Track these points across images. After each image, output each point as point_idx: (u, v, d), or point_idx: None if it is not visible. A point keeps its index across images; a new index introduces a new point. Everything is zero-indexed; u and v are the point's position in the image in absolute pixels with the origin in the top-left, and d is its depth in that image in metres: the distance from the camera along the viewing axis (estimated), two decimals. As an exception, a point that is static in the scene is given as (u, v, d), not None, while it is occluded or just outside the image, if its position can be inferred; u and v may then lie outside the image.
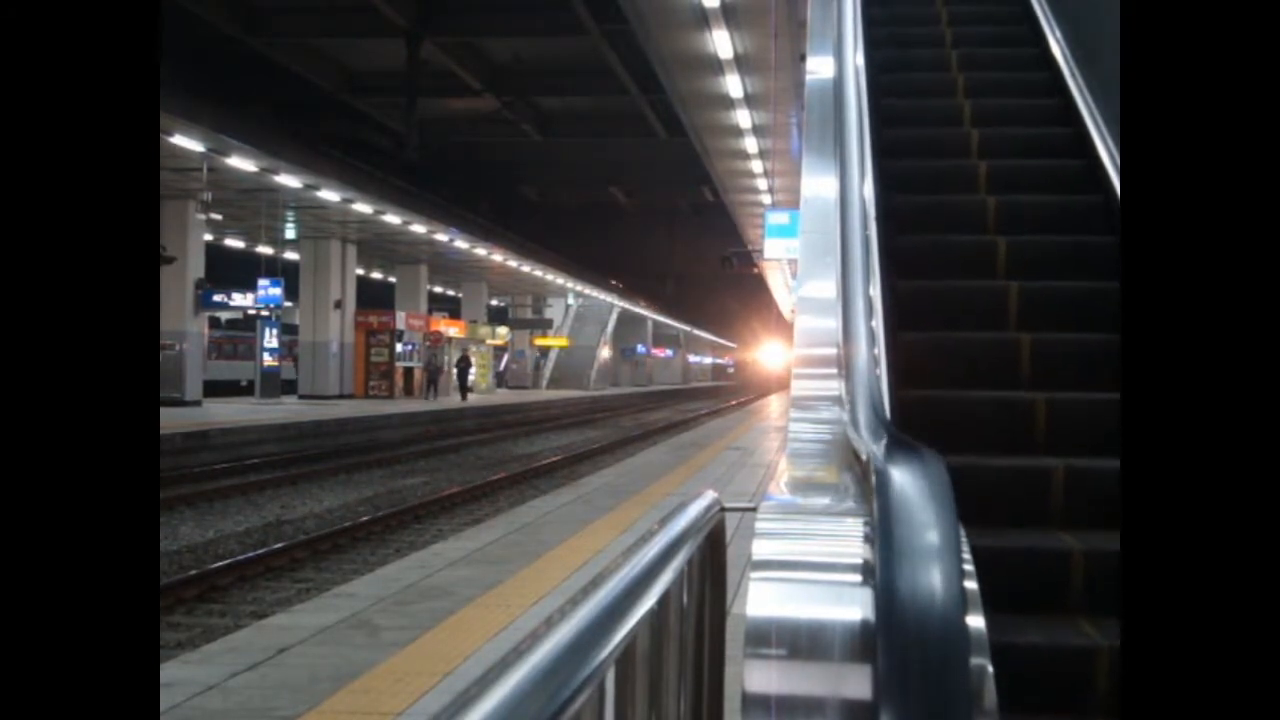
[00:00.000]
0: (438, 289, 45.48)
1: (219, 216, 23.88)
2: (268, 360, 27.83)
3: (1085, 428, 3.27)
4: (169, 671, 3.92)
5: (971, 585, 1.39)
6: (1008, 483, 3.09)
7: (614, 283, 46.71)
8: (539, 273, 37.83)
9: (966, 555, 1.41)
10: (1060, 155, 4.79)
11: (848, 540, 1.49)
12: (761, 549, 1.51)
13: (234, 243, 32.72)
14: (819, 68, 4.27)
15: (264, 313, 26.75)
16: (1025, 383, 3.57)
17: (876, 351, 2.66)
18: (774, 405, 30.87)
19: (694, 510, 1.98)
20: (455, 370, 33.11)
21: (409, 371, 32.25)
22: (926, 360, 3.60)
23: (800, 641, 1.36)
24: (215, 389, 29.48)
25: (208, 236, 25.83)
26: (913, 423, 2.91)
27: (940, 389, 3.52)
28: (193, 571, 8.81)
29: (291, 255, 31.09)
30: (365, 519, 11.66)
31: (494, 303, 49.84)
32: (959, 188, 4.65)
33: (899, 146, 4.84)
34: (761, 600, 1.40)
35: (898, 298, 3.79)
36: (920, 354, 3.60)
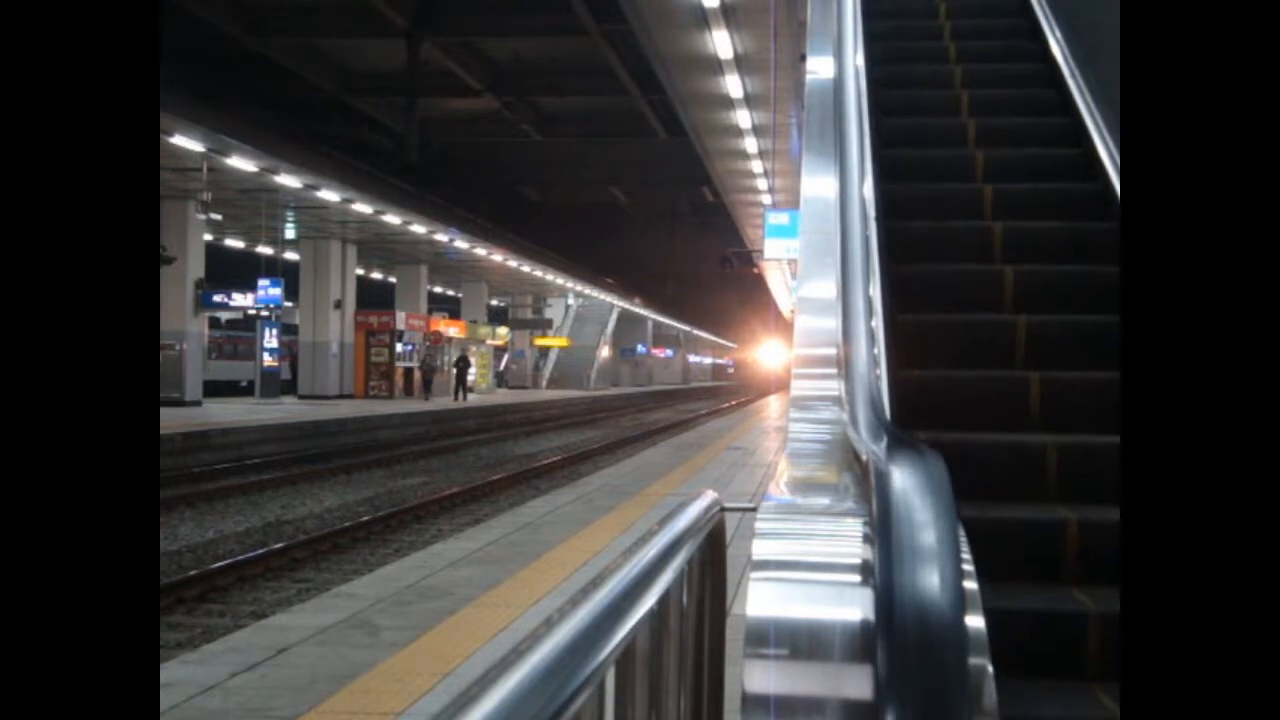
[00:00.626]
0: (438, 289, 45.47)
1: (219, 216, 23.87)
2: (268, 360, 27.83)
3: (1099, 470, 3.08)
4: (169, 671, 3.92)
5: (971, 585, 1.39)
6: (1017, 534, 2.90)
7: (609, 281, 46.66)
8: (539, 273, 37.83)
9: (966, 555, 1.41)
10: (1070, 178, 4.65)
11: (848, 540, 1.49)
12: (761, 549, 1.51)
13: (234, 243, 32.71)
14: (819, 67, 4.26)
15: (264, 313, 26.74)
16: (1034, 425, 3.39)
17: (876, 352, 2.65)
18: (773, 405, 30.87)
19: (694, 510, 1.98)
20: (454, 370, 33.13)
21: (409, 372, 32.27)
22: (927, 400, 3.45)
23: (800, 641, 1.36)
24: (215, 389, 29.49)
25: (208, 236, 25.83)
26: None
27: (943, 431, 3.30)
28: (193, 571, 8.81)
29: (291, 255, 31.08)
30: (365, 519, 11.66)
31: (494, 303, 49.85)
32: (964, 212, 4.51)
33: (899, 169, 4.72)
34: (761, 600, 1.40)
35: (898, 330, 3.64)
36: (922, 392, 3.46)
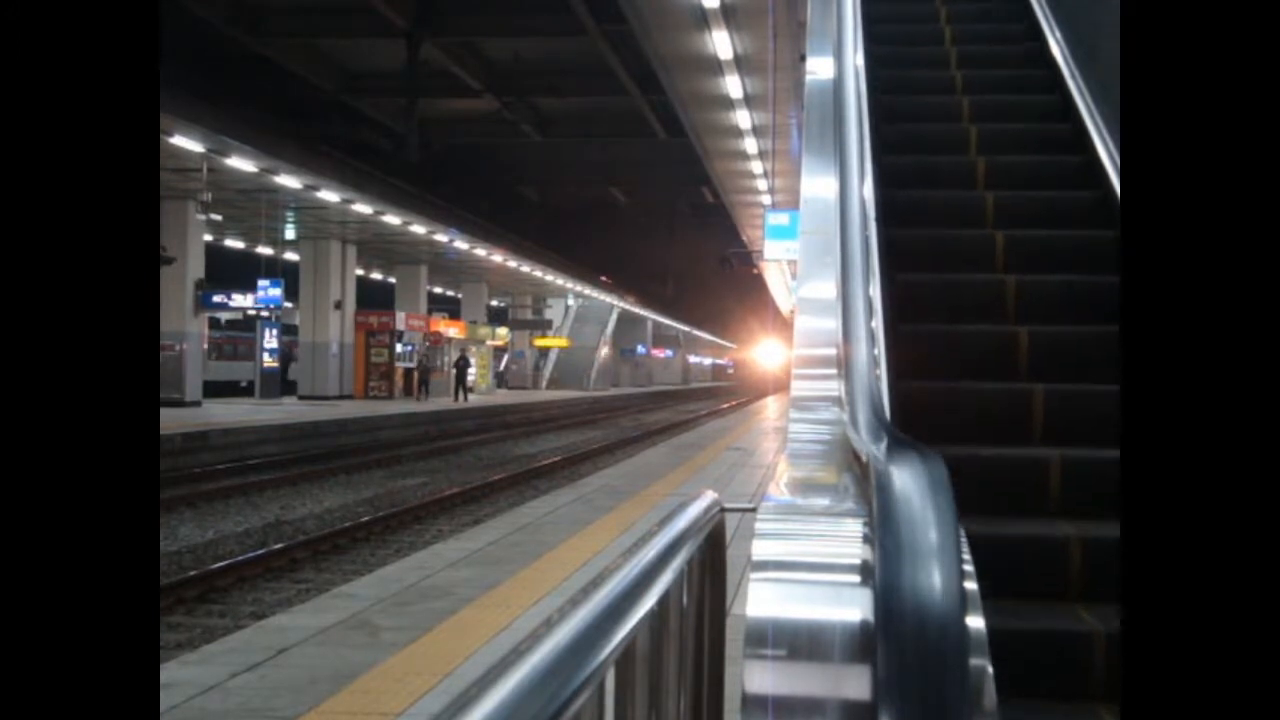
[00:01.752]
0: (438, 289, 45.46)
1: (219, 217, 23.88)
2: (268, 361, 27.83)
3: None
4: (169, 671, 3.92)
5: (971, 585, 1.39)
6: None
7: (608, 281, 46.64)
8: (539, 273, 37.84)
9: (966, 555, 1.41)
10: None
11: (847, 541, 1.49)
12: (761, 549, 1.51)
13: (234, 243, 32.71)
14: (819, 68, 4.25)
15: (264, 313, 26.74)
16: (1052, 509, 3.20)
17: (876, 352, 2.65)
18: (773, 406, 30.86)
19: (694, 511, 1.98)
20: (453, 370, 33.13)
21: (409, 372, 32.28)
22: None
23: (800, 642, 1.36)
24: (215, 390, 29.49)
25: (208, 237, 25.83)
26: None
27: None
28: (193, 572, 8.81)
29: (291, 255, 31.07)
30: (365, 519, 11.66)
31: (494, 303, 49.83)
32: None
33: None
34: (761, 601, 1.40)
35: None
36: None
